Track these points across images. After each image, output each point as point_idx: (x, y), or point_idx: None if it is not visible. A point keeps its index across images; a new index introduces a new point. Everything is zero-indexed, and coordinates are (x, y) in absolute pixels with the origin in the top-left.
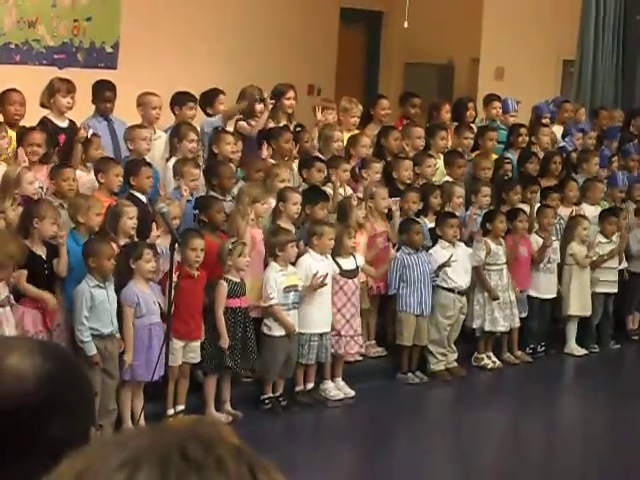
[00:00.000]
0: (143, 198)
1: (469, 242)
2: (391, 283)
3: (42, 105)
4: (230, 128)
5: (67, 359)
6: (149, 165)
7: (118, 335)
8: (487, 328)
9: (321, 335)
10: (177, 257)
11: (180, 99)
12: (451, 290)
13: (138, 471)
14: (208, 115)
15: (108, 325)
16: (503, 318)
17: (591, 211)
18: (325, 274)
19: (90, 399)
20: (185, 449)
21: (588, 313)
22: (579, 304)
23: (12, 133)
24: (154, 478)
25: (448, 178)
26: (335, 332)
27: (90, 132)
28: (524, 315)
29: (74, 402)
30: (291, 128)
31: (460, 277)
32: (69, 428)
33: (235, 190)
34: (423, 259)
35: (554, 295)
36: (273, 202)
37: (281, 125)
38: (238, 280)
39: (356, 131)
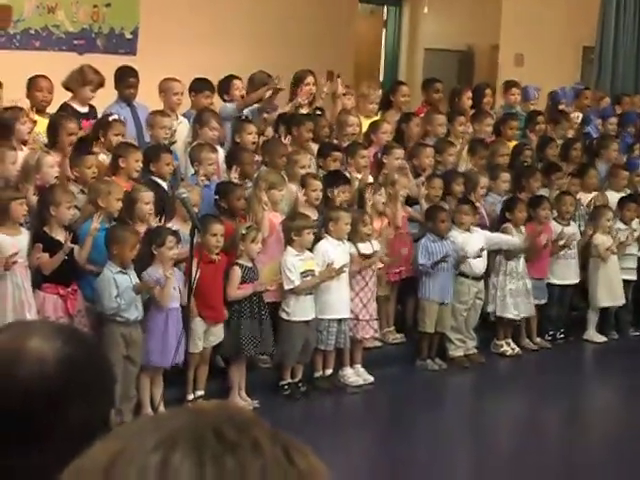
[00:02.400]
0: (163, 184)
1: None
2: (416, 267)
3: (66, 87)
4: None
5: (88, 343)
6: (169, 151)
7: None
8: (497, 313)
9: (340, 321)
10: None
11: (198, 86)
12: (465, 275)
13: (173, 452)
14: (225, 101)
15: (133, 311)
16: (514, 305)
17: (615, 198)
18: (344, 264)
19: (111, 384)
20: (221, 430)
21: (620, 302)
22: (608, 294)
23: (40, 119)
24: (190, 459)
25: (468, 165)
26: (353, 316)
27: (115, 116)
28: (543, 302)
29: (95, 386)
30: (309, 111)
31: (475, 262)
32: (89, 412)
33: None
34: (448, 247)
35: (575, 281)
36: (294, 188)
37: (304, 112)
38: (250, 265)
39: (375, 117)
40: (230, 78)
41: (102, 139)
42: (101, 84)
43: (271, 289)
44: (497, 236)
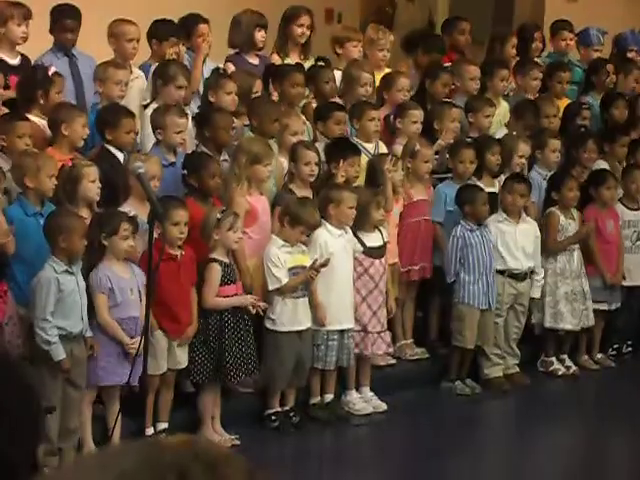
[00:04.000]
0: (120, 156)
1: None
2: (449, 267)
3: None
4: None
5: (7, 362)
6: (131, 115)
7: (89, 334)
8: (547, 324)
9: (342, 332)
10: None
11: (160, 31)
12: (501, 273)
13: None
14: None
15: (78, 323)
16: (571, 313)
17: None
18: (327, 257)
19: (38, 414)
20: (185, 471)
21: None
22: None
23: None
24: None
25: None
26: (360, 327)
27: (52, 70)
28: (615, 307)
29: (16, 417)
30: (307, 64)
31: (516, 258)
32: (9, 446)
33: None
34: (488, 237)
35: None
36: (285, 162)
37: (289, 63)
38: (228, 260)
39: (387, 69)
40: (192, 19)
41: (41, 100)
42: (27, 16)
43: (260, 306)
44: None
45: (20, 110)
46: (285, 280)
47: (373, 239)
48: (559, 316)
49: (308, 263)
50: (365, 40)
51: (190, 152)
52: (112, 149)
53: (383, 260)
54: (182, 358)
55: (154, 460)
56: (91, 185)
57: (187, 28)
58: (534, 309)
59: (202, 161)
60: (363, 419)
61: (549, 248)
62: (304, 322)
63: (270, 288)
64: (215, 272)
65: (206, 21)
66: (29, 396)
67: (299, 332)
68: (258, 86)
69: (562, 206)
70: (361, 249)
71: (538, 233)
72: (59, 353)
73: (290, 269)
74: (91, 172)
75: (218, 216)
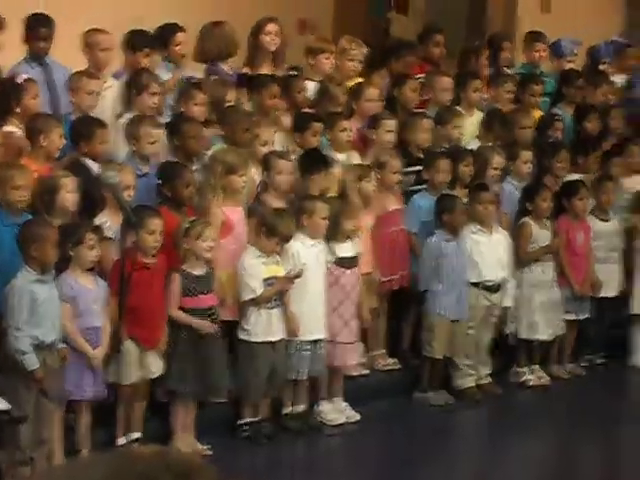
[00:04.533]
0: (94, 167)
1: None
2: (423, 276)
3: None
4: None
5: None
6: (104, 126)
7: (61, 345)
8: (523, 335)
9: (315, 342)
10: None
11: (136, 41)
12: (475, 285)
13: None
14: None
15: (51, 332)
16: (546, 323)
17: None
18: (300, 268)
19: None
20: None
21: None
22: None
23: None
24: None
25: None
26: (330, 338)
27: (23, 77)
28: (583, 317)
29: None
30: (278, 73)
31: (490, 269)
32: None
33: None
34: (462, 248)
35: (616, 293)
36: (255, 173)
37: (265, 73)
38: (198, 272)
39: (357, 79)
40: (170, 28)
41: (17, 108)
42: (0, 25)
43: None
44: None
45: None
46: (260, 290)
47: (345, 249)
48: (534, 326)
49: (282, 274)
50: (337, 50)
51: (164, 162)
52: (87, 160)
53: (356, 270)
54: (155, 367)
55: (124, 471)
56: (69, 195)
57: (164, 37)
58: (507, 319)
59: (176, 170)
60: (336, 429)
61: (520, 258)
62: (278, 333)
63: (245, 298)
64: (175, 282)
65: (183, 30)
66: None
67: (273, 343)
68: (231, 96)
69: (535, 216)
70: (332, 259)
71: (509, 242)
72: (32, 363)
73: (265, 280)
74: (69, 183)
75: (186, 225)
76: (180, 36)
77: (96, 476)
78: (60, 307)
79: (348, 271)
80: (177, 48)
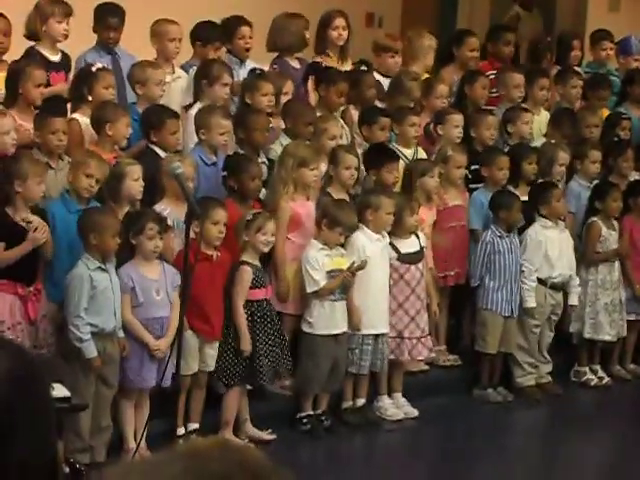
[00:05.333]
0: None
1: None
2: (475, 272)
3: (29, 36)
4: None
5: (26, 359)
6: (176, 116)
7: (121, 334)
8: (587, 335)
9: (377, 337)
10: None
11: (205, 34)
12: (543, 282)
13: None
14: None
15: (111, 320)
16: (610, 324)
17: None
18: (364, 259)
19: (52, 410)
20: None
21: None
22: None
23: None
24: None
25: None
26: (396, 333)
27: (98, 65)
28: None
29: (35, 414)
30: (344, 67)
31: (557, 267)
32: (29, 447)
33: (278, 150)
34: (516, 244)
35: None
36: (324, 166)
37: (336, 69)
38: (258, 264)
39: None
40: (236, 21)
41: (89, 96)
42: (68, 13)
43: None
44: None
45: (59, 107)
46: (323, 283)
47: (408, 245)
48: (598, 327)
49: (346, 266)
50: (412, 45)
51: (230, 154)
52: (157, 149)
53: (420, 265)
54: (211, 361)
55: (199, 470)
56: (134, 183)
57: (229, 30)
58: (572, 319)
59: (242, 163)
60: (395, 425)
61: (588, 259)
62: (341, 325)
63: (308, 290)
64: (246, 275)
65: (249, 23)
66: (47, 394)
67: (335, 336)
68: (288, 87)
69: (604, 216)
70: (395, 256)
71: (572, 241)
72: (91, 350)
73: (328, 272)
74: (134, 170)
75: (248, 217)
76: (245, 30)
77: (171, 474)
78: (120, 296)
79: (412, 267)
80: (241, 42)
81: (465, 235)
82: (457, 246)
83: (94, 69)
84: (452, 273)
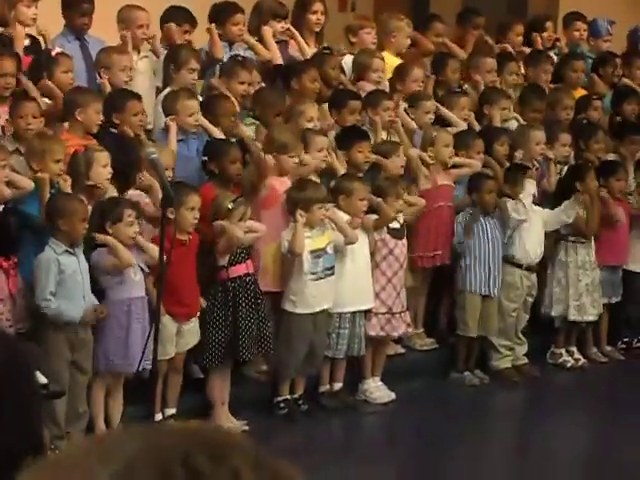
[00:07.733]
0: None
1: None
2: (454, 251)
3: None
4: None
5: (9, 344)
6: (138, 98)
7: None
8: (572, 317)
9: (354, 320)
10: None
11: (173, 17)
12: (519, 265)
13: None
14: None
15: (80, 304)
16: (592, 304)
17: None
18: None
19: (38, 395)
20: (191, 458)
21: None
22: None
23: None
24: None
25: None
26: (386, 309)
27: (57, 50)
28: (616, 300)
29: (20, 399)
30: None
31: (532, 249)
32: (15, 432)
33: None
34: (493, 225)
35: None
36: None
37: (300, 61)
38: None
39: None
40: (231, 8)
41: (47, 80)
42: None
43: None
44: (555, 215)
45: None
46: (306, 265)
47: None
48: (582, 308)
49: (328, 244)
50: (385, 28)
51: (210, 139)
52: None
53: (404, 241)
54: (192, 338)
55: (158, 444)
56: (103, 170)
57: (221, 15)
58: (553, 302)
59: (222, 147)
60: (372, 408)
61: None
62: (323, 303)
63: (290, 271)
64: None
65: (241, 10)
66: (32, 378)
67: (315, 315)
68: (255, 76)
69: (583, 197)
70: (385, 230)
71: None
72: (76, 313)
73: (311, 252)
74: (103, 157)
75: (229, 206)
76: (238, 17)
77: (129, 449)
78: (88, 280)
79: (400, 242)
80: (235, 28)
81: (450, 215)
82: (443, 226)
83: (53, 53)
84: (430, 255)
